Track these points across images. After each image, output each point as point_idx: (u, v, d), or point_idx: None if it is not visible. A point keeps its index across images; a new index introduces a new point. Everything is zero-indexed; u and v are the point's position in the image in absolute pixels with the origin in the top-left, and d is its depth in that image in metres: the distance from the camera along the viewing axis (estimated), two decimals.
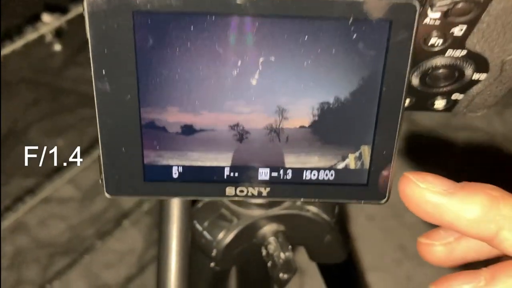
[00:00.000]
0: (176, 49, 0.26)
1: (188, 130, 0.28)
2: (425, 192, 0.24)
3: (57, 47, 0.83)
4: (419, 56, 0.29)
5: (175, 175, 0.29)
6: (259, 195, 0.30)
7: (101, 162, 0.28)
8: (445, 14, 0.26)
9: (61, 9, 0.83)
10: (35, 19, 0.81)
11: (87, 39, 0.26)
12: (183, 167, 0.29)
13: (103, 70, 0.26)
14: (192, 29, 0.25)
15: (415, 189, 0.24)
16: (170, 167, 0.29)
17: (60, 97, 1.57)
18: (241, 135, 0.28)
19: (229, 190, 0.29)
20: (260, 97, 0.27)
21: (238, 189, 0.29)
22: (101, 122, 0.27)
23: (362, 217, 1.26)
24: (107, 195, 0.29)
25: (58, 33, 0.82)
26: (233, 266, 0.52)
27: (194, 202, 0.45)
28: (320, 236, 0.47)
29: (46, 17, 0.80)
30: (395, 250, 1.22)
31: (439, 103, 0.33)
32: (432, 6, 0.25)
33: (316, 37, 0.26)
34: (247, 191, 0.29)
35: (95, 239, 1.25)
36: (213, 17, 0.25)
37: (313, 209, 0.46)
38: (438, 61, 0.29)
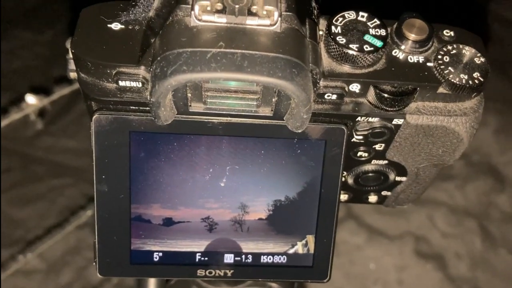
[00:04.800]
0: (162, 159, 0.33)
1: (168, 222, 0.34)
2: None
3: (40, 125, 0.89)
4: (351, 163, 0.37)
5: (155, 259, 0.35)
6: (225, 275, 0.36)
7: (96, 248, 0.34)
8: (366, 136, 0.34)
9: (45, 91, 0.90)
10: (19, 100, 0.87)
11: (91, 150, 0.32)
12: (163, 252, 0.35)
13: (103, 175, 0.33)
14: (175, 144, 0.33)
15: None
16: (152, 252, 0.35)
17: (31, 166, 1.58)
18: (211, 226, 0.35)
19: (200, 272, 0.36)
20: (226, 196, 0.34)
21: (207, 271, 0.36)
22: (98, 216, 0.34)
23: None
24: (99, 275, 0.35)
25: (41, 113, 0.89)
26: None
27: (168, 280, 0.50)
28: None
29: (30, 98, 0.87)
30: None
31: (372, 198, 0.41)
32: (356, 131, 0.33)
33: (270, 151, 0.33)
34: (215, 273, 0.36)
35: None
36: (191, 136, 0.32)
37: (274, 285, 0.52)
38: (366, 167, 0.37)
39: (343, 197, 0.40)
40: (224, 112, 0.31)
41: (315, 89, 0.29)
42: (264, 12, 0.28)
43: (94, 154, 0.32)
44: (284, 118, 0.31)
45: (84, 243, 1.36)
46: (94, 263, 0.35)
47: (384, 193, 0.40)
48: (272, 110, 0.31)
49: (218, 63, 0.26)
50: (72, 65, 0.31)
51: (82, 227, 1.35)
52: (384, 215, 1.44)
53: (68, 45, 0.31)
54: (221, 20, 0.28)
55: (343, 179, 0.38)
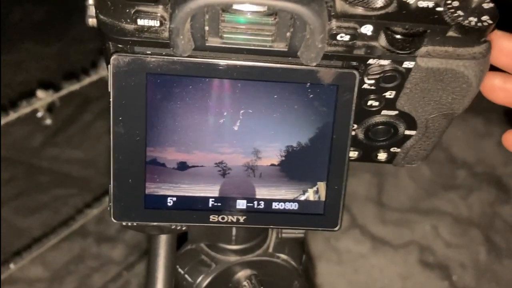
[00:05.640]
0: (178, 102, 0.34)
1: (182, 166, 0.35)
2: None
3: (48, 121, 0.90)
4: (362, 115, 0.38)
5: (169, 203, 0.36)
6: (237, 221, 0.36)
7: (111, 192, 0.35)
8: (377, 81, 0.35)
9: (54, 86, 0.92)
10: (29, 94, 0.89)
11: (109, 93, 0.33)
12: (177, 197, 0.36)
13: (120, 117, 0.33)
14: (190, 87, 0.33)
15: None
16: (166, 197, 0.35)
17: (36, 176, 1.59)
18: (224, 171, 0.35)
19: (213, 218, 0.36)
20: (240, 140, 0.35)
21: (220, 216, 0.36)
22: (114, 159, 0.34)
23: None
24: (113, 220, 0.35)
25: (50, 108, 0.90)
26: None
27: (178, 248, 0.51)
28: (289, 282, 0.52)
29: (40, 93, 0.88)
30: None
31: (382, 156, 0.41)
32: (367, 75, 0.34)
33: (283, 96, 0.34)
34: (227, 219, 0.36)
35: None
36: (207, 79, 0.33)
37: (283, 256, 0.52)
38: (377, 119, 0.38)
39: (353, 154, 0.41)
40: (239, 47, 0.32)
41: (329, 22, 0.30)
42: None
43: (111, 96, 0.33)
44: (299, 53, 0.32)
45: (87, 252, 1.35)
46: (108, 208, 0.35)
47: (393, 149, 0.41)
48: (286, 45, 0.32)
49: None
50: (91, 11, 0.32)
51: (86, 236, 1.35)
52: (388, 225, 1.44)
53: None
54: None
55: (353, 133, 0.38)
